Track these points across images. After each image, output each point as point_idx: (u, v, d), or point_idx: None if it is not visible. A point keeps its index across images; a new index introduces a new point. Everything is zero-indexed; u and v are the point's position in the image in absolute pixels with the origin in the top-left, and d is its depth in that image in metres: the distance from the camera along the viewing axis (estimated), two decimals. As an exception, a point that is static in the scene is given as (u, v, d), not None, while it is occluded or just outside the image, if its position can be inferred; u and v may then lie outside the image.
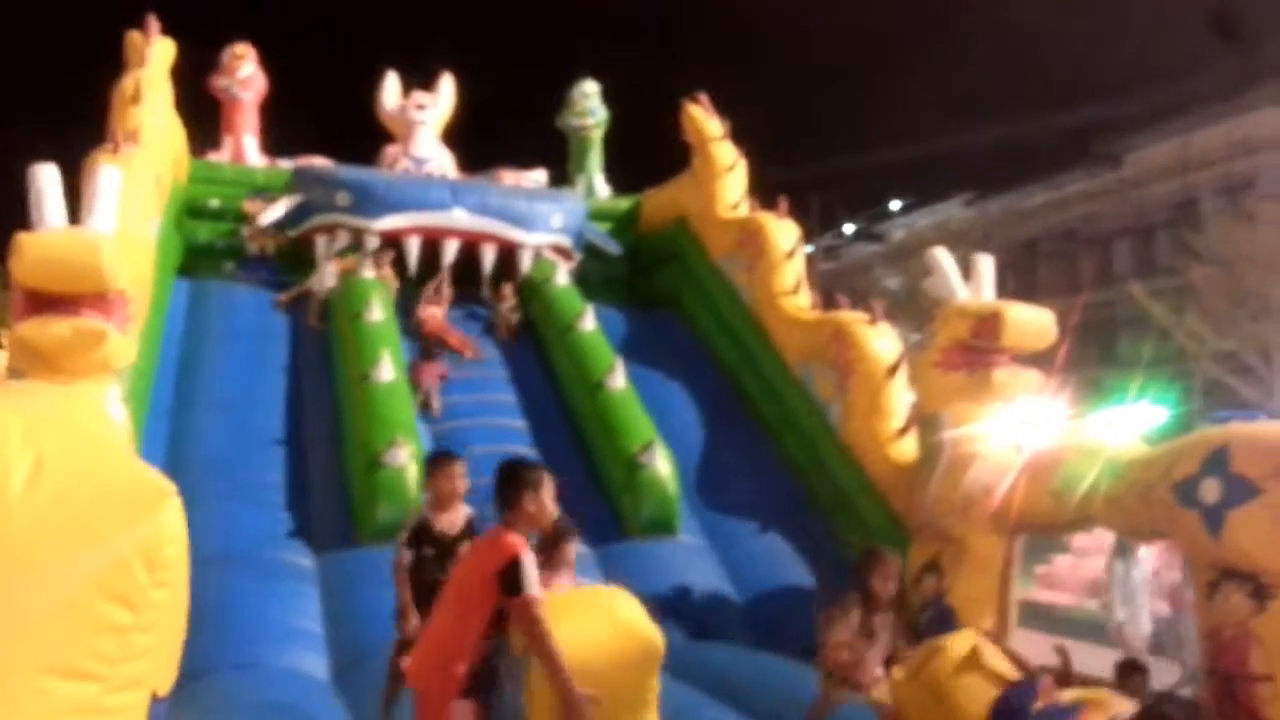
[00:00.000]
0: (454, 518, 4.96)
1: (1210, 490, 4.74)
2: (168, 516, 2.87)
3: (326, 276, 9.72)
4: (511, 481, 3.81)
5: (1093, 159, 30.61)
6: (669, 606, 6.83)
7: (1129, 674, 5.65)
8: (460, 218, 10.26)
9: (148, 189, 7.58)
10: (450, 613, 3.80)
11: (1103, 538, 11.49)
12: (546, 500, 3.79)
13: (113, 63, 9.29)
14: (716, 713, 5.46)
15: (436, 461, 5.20)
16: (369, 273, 9.71)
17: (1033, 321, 6.95)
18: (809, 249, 20.72)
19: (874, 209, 35.71)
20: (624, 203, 12.22)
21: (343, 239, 10.10)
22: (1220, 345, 21.23)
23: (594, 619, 3.87)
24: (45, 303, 5.27)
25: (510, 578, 3.57)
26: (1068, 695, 4.29)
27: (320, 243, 10.12)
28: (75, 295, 5.29)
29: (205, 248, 10.37)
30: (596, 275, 11.31)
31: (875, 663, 4.95)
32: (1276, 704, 4.49)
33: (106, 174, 5.82)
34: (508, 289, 10.39)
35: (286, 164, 11.10)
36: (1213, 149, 27.41)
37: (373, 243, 10.04)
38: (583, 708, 3.50)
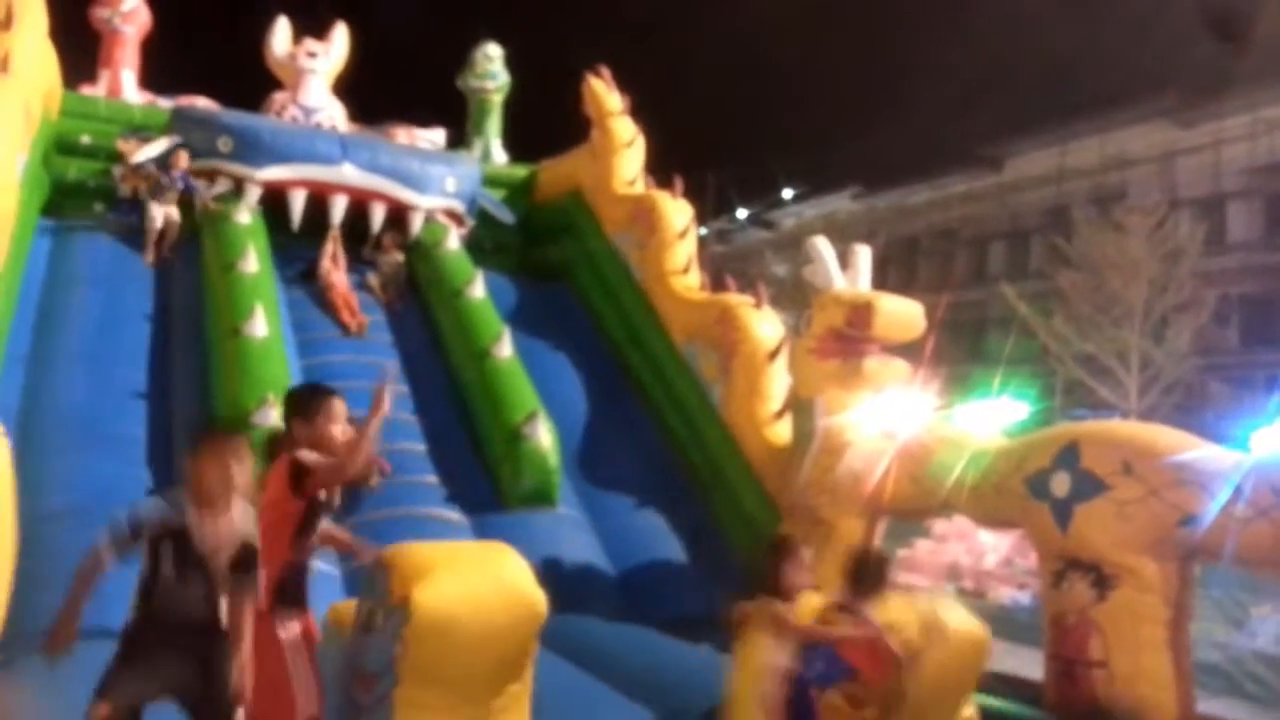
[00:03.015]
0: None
1: (1060, 484, 5.02)
2: None
3: (157, 217, 9.29)
4: (283, 412, 3.94)
5: (975, 162, 31.72)
6: (543, 577, 6.81)
7: None
8: (350, 174, 9.94)
9: (15, 121, 7.12)
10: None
11: (962, 525, 12.06)
12: (322, 425, 3.76)
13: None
14: (583, 681, 5.53)
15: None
16: (245, 218, 9.31)
17: (903, 313, 7.15)
18: (702, 231, 20.96)
19: (767, 196, 36.24)
20: (520, 171, 12.11)
21: (222, 185, 9.67)
22: (1082, 347, 22.36)
23: (478, 573, 3.75)
24: None
25: (296, 476, 3.62)
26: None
27: (199, 187, 9.69)
28: None
29: (74, 187, 9.82)
30: (488, 243, 11.18)
31: None
32: (1112, 688, 4.79)
33: None
34: (389, 240, 10.12)
35: (166, 103, 10.59)
36: (1088, 160, 28.76)
37: (254, 192, 9.65)
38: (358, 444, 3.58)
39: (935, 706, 4.20)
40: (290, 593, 3.71)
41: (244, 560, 3.48)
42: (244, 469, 3.50)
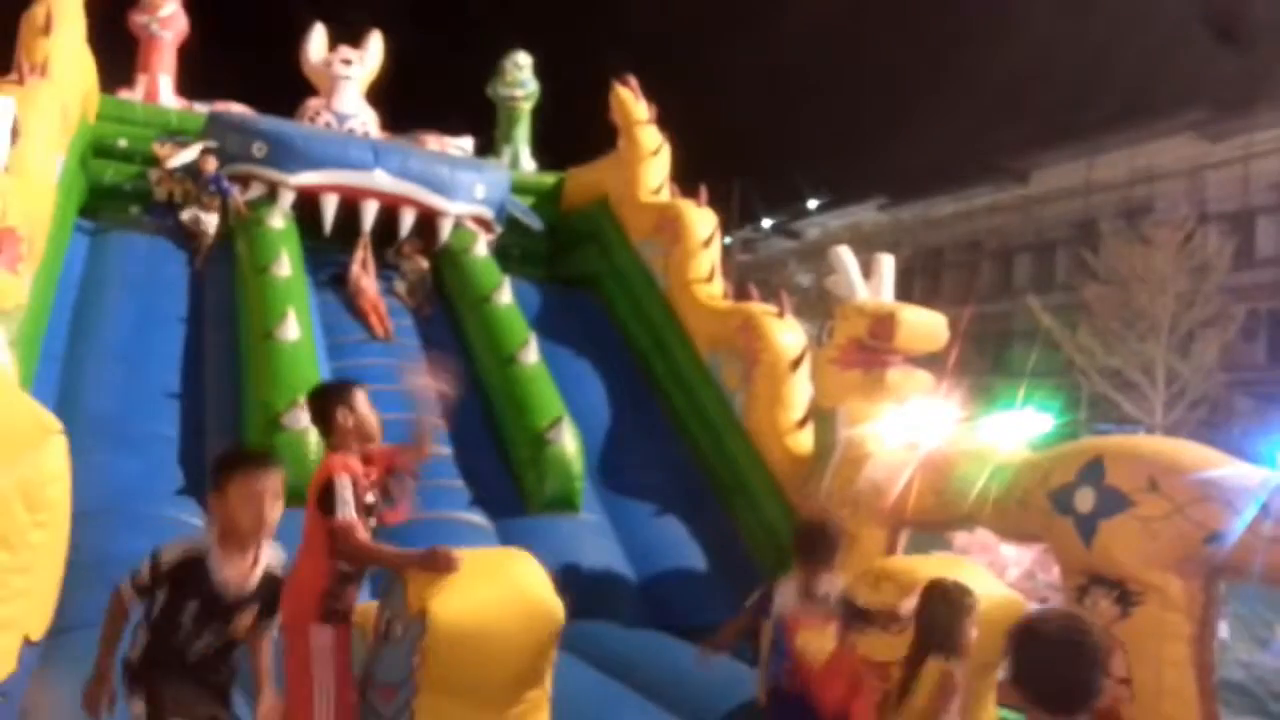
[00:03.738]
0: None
1: (1085, 499, 5.01)
2: (51, 454, 2.76)
3: (209, 226, 9.47)
4: (320, 404, 3.84)
5: (1001, 174, 31.61)
6: (565, 582, 6.88)
7: None
8: (381, 179, 10.03)
9: (53, 124, 7.26)
10: (301, 545, 3.73)
11: (984, 537, 12.02)
12: (362, 409, 3.77)
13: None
14: (603, 686, 5.58)
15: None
16: (278, 222, 9.45)
17: (926, 324, 7.14)
18: (727, 240, 20.99)
19: (792, 206, 36.23)
20: (548, 178, 12.19)
21: (256, 190, 9.81)
22: (1107, 361, 22.22)
23: (495, 582, 3.79)
24: None
25: (326, 501, 3.56)
26: None
27: (233, 190, 9.83)
28: None
29: (110, 190, 9.97)
30: (516, 250, 11.27)
31: None
32: (1134, 706, 4.78)
33: (1, 104, 5.54)
34: (410, 247, 10.19)
35: (202, 108, 10.74)
36: (1115, 173, 28.59)
37: (288, 197, 9.79)
38: (435, 558, 3.52)
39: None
40: (328, 604, 3.65)
41: (268, 607, 3.28)
42: (279, 505, 3.19)
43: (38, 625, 2.89)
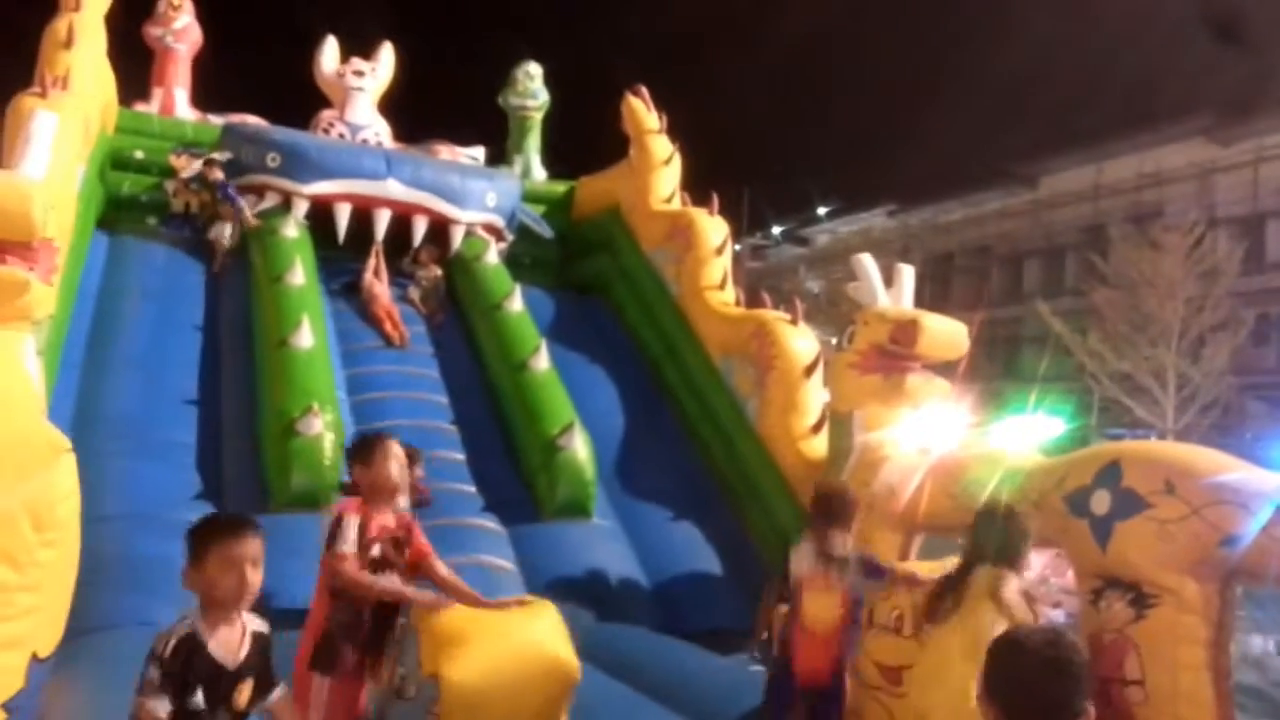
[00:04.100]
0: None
1: (1101, 502, 5.01)
2: (60, 473, 2.77)
3: (226, 231, 9.65)
4: (346, 459, 4.04)
5: (1010, 179, 31.59)
6: (578, 587, 6.94)
7: None
8: (394, 188, 10.13)
9: (74, 136, 7.35)
10: (318, 579, 3.85)
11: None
12: (379, 466, 3.87)
13: (45, 3, 8.98)
14: (617, 689, 5.61)
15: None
16: (292, 232, 9.54)
17: (948, 332, 7.17)
18: (737, 248, 21.02)
19: (801, 213, 36.27)
20: (559, 187, 12.27)
21: (271, 200, 9.92)
22: (1118, 366, 22.17)
23: (508, 645, 3.71)
24: None
25: (330, 538, 3.69)
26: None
27: (247, 202, 9.92)
28: (0, 242, 5.13)
29: (128, 201, 10.08)
30: (527, 258, 11.34)
31: None
32: (1147, 708, 4.78)
33: (42, 120, 5.64)
34: (426, 255, 10.26)
35: (217, 120, 10.85)
36: (1124, 178, 28.55)
37: (301, 206, 9.89)
38: (426, 598, 3.66)
39: None
40: (328, 649, 3.71)
41: (265, 671, 2.95)
42: (259, 571, 2.89)
43: (46, 642, 2.90)
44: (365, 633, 3.75)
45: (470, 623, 3.65)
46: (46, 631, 2.89)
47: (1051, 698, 2.26)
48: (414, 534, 3.95)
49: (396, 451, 3.96)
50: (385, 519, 3.87)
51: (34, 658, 2.81)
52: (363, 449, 3.98)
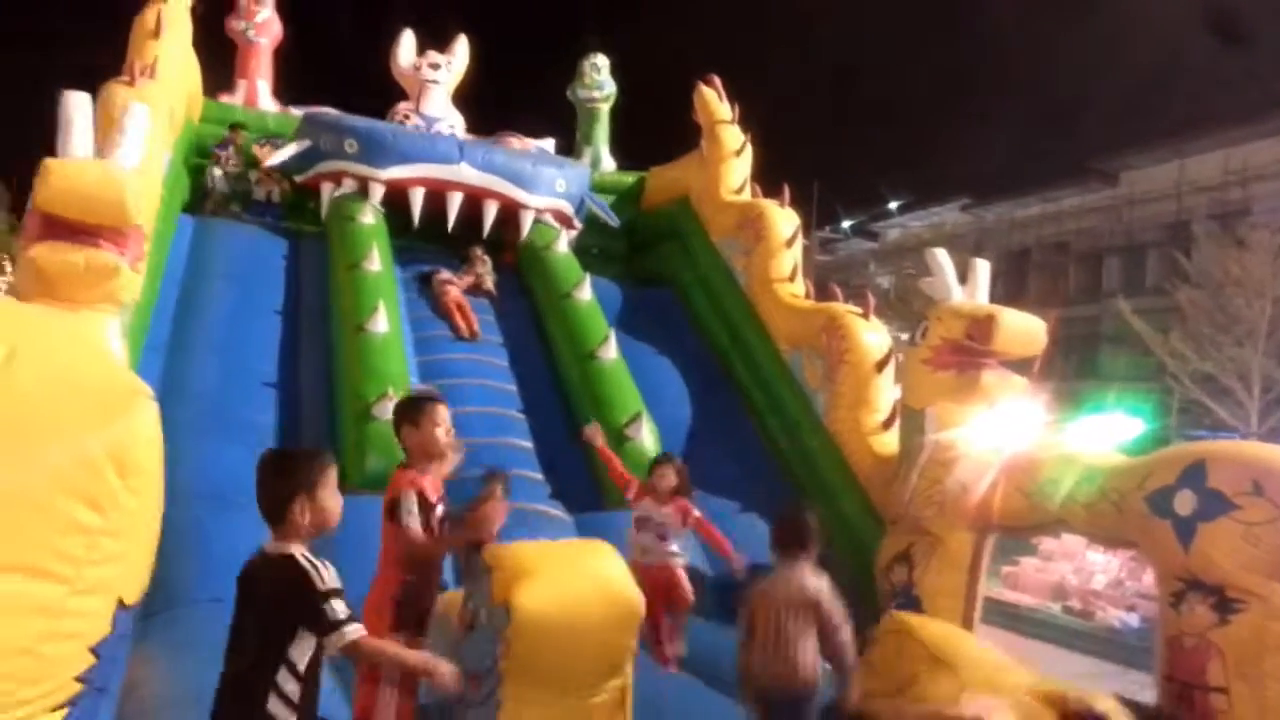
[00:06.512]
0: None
1: (1185, 502, 4.87)
2: (141, 419, 2.83)
3: (217, 178, 10.27)
4: (394, 420, 4.09)
5: (1090, 174, 30.79)
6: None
7: None
8: (466, 172, 10.24)
9: (161, 123, 7.58)
10: (379, 557, 3.95)
11: (1070, 544, 11.76)
12: (429, 428, 3.95)
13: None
14: (680, 680, 5.62)
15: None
16: (368, 219, 9.70)
17: (1025, 328, 7.02)
18: (805, 242, 20.84)
19: (872, 207, 35.79)
20: (629, 178, 12.29)
21: (348, 186, 10.11)
22: (1201, 367, 21.50)
23: (576, 575, 3.87)
24: (63, 229, 5.27)
25: (393, 510, 3.84)
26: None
27: (325, 189, 10.12)
28: (94, 226, 5.31)
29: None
30: (596, 248, 11.39)
31: None
32: (1230, 714, 4.64)
33: (136, 110, 5.84)
34: (476, 251, 10.31)
35: (297, 112, 11.09)
36: (1209, 174, 27.64)
37: (378, 191, 10.05)
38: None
39: None
40: (401, 613, 3.82)
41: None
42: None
43: (132, 589, 2.98)
44: (435, 590, 3.96)
45: (541, 557, 3.78)
46: (132, 579, 2.97)
47: None
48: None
49: (444, 416, 4.03)
50: (437, 481, 4.01)
51: (120, 604, 2.89)
52: (411, 410, 4.04)
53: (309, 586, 2.86)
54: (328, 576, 2.91)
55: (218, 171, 10.28)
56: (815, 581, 4.45)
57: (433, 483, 3.96)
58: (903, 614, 5.59)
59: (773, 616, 4.41)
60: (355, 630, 2.88)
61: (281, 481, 3.00)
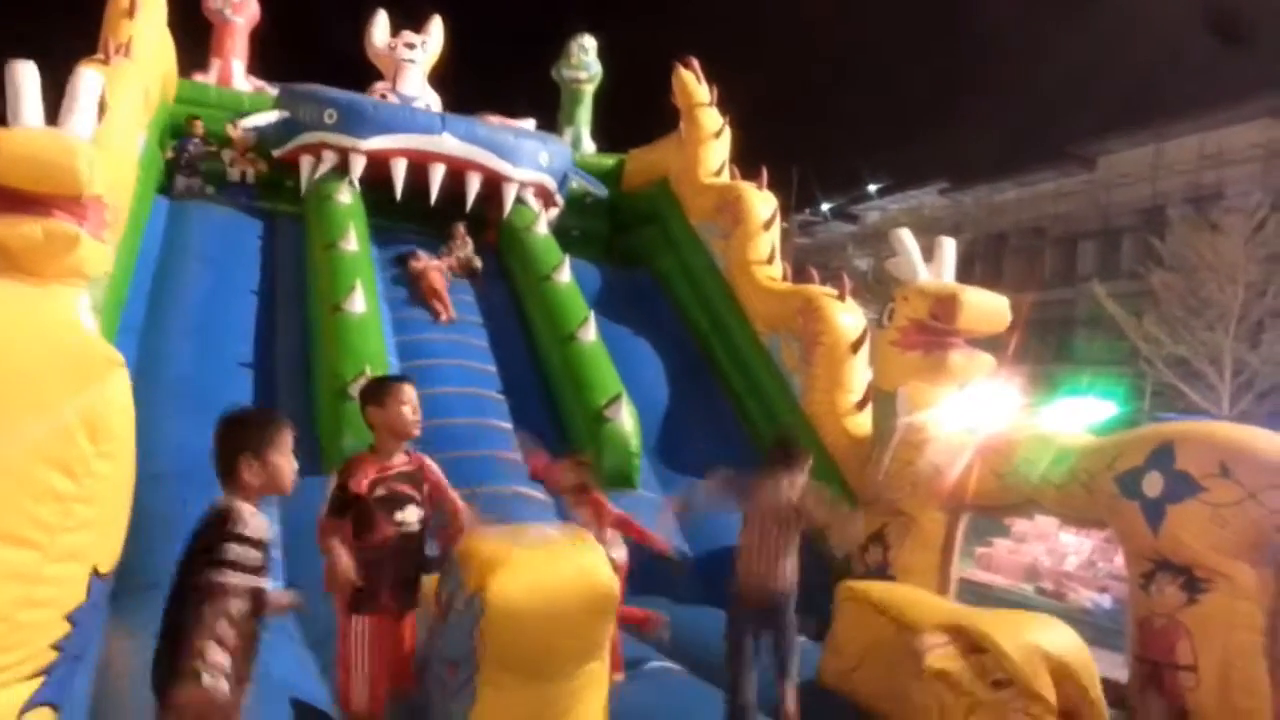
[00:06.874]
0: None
1: (1153, 484, 4.94)
2: (114, 386, 2.82)
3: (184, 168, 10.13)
4: (360, 402, 4.11)
5: (1067, 159, 30.95)
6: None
7: None
8: (449, 143, 10.14)
9: (135, 102, 7.48)
10: None
11: (1043, 525, 11.90)
12: (394, 408, 3.96)
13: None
14: (660, 663, 5.64)
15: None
16: (345, 198, 9.62)
17: (988, 306, 7.05)
18: (785, 224, 20.89)
19: (851, 190, 35.85)
20: (608, 159, 12.27)
21: (329, 160, 9.99)
22: (1174, 350, 21.72)
23: (550, 563, 3.84)
24: (17, 201, 5.08)
25: (340, 494, 3.91)
26: None
27: (305, 164, 10.02)
28: (48, 196, 5.10)
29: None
30: (575, 230, 11.36)
31: None
32: (1199, 693, 4.71)
33: (87, 78, 5.67)
34: (459, 229, 10.28)
35: (273, 91, 10.99)
36: (1184, 158, 27.84)
37: (359, 163, 9.93)
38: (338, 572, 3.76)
39: None
40: (365, 591, 3.85)
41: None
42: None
43: (106, 557, 2.97)
44: (395, 571, 3.93)
45: (511, 545, 3.77)
46: (106, 546, 2.96)
47: None
48: (426, 468, 4.08)
49: (410, 396, 4.02)
50: (391, 460, 3.98)
51: (95, 573, 2.89)
52: (376, 391, 4.06)
53: (221, 523, 2.96)
54: (254, 525, 2.99)
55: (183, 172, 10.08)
56: (795, 492, 4.77)
57: (378, 465, 3.95)
58: (852, 582, 5.66)
59: (759, 526, 4.79)
60: (223, 575, 2.88)
61: (231, 441, 3.15)
